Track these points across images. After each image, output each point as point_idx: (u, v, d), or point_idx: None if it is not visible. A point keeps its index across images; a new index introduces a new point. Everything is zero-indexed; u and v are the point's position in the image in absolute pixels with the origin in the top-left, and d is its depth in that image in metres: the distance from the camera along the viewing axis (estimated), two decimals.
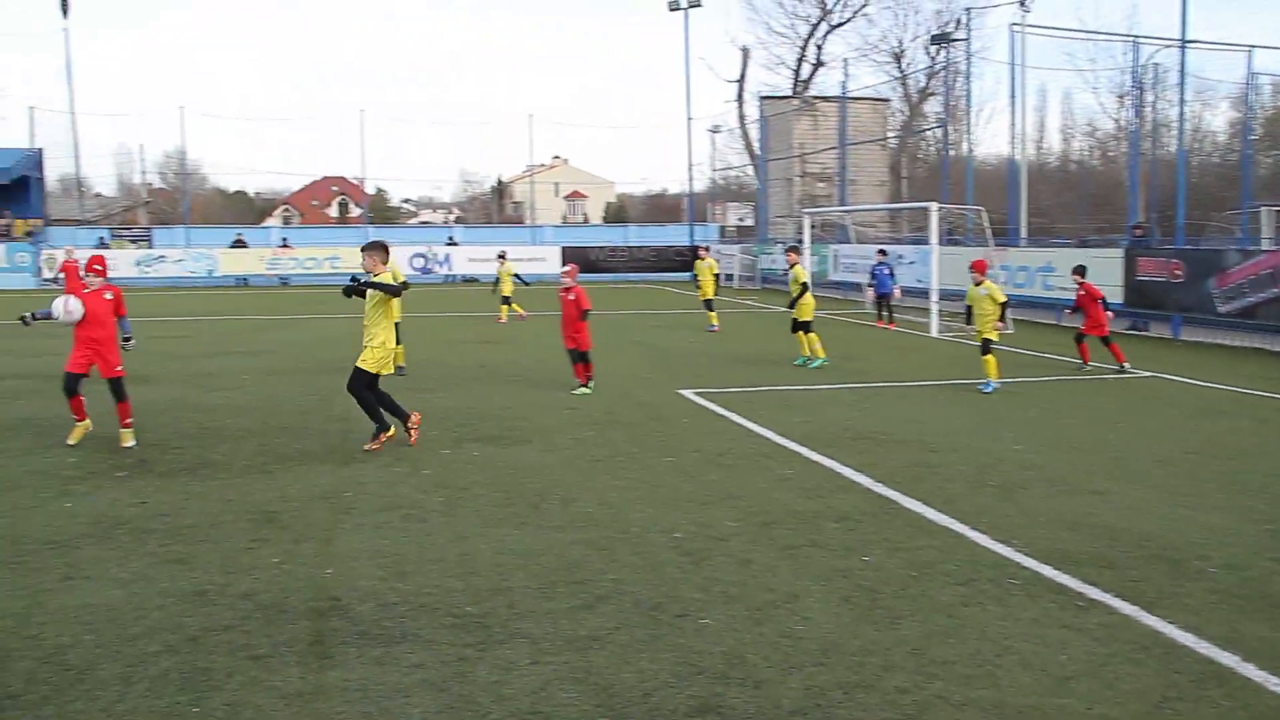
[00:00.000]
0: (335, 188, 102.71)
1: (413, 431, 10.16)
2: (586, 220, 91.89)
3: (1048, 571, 6.45)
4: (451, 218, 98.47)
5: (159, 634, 5.33)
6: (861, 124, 47.71)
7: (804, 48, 57.11)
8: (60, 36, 52.13)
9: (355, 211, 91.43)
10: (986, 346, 13.97)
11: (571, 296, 13.65)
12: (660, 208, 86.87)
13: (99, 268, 10.46)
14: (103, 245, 46.21)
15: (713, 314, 23.46)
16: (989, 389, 13.71)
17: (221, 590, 6.00)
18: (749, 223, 55.21)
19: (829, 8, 55.67)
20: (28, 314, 10.55)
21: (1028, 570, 6.49)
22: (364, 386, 9.98)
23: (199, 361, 17.06)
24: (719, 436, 10.73)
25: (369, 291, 9.83)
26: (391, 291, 9.91)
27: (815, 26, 56.69)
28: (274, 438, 10.55)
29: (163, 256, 45.70)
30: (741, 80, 57.67)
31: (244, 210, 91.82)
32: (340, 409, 12.23)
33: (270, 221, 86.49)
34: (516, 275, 26.51)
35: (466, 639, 5.30)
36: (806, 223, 30.02)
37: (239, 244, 47.28)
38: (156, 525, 7.36)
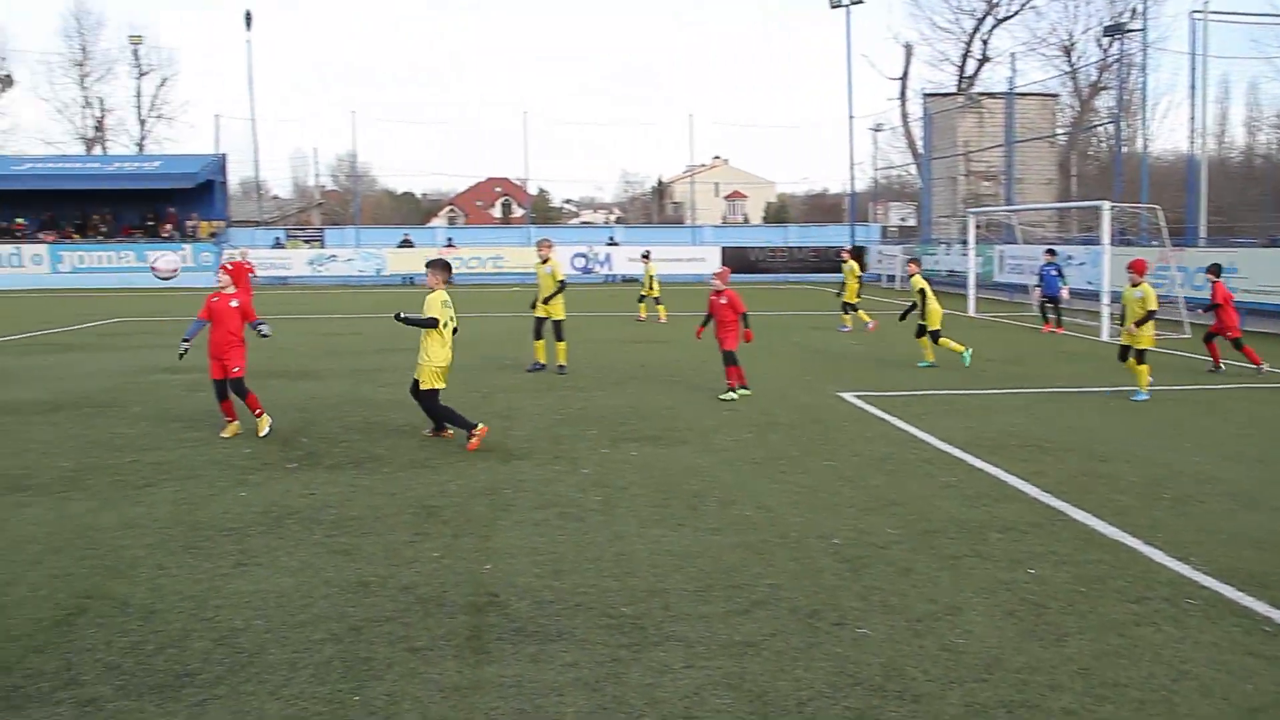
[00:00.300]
0: (499, 189, 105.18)
1: (475, 439, 10.08)
2: (746, 220, 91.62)
3: (1229, 592, 6.07)
4: (612, 218, 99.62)
5: (324, 622, 5.51)
6: (1029, 120, 46.06)
7: (969, 43, 55.58)
8: (243, 48, 54.73)
9: (518, 212, 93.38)
10: (1139, 355, 13.17)
11: (724, 300, 13.44)
12: (821, 207, 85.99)
13: (229, 270, 10.86)
14: (278, 245, 48.46)
15: (846, 316, 23.49)
16: (1140, 398, 13.02)
17: (384, 582, 6.16)
18: (911, 223, 54.08)
19: (995, 1, 54.03)
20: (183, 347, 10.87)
21: (1207, 590, 6.12)
22: (429, 398, 10.29)
23: (367, 358, 17.66)
24: (880, 441, 10.50)
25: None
26: (427, 324, 10.15)
27: (981, 21, 55.08)
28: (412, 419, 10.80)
29: (334, 256, 47.56)
30: (904, 77, 56.53)
31: (411, 211, 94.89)
32: (501, 405, 12.48)
33: (436, 222, 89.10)
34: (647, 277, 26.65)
35: (621, 640, 5.31)
36: (971, 222, 29.22)
37: (406, 244, 48.86)
38: (324, 516, 7.63)
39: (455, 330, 10.65)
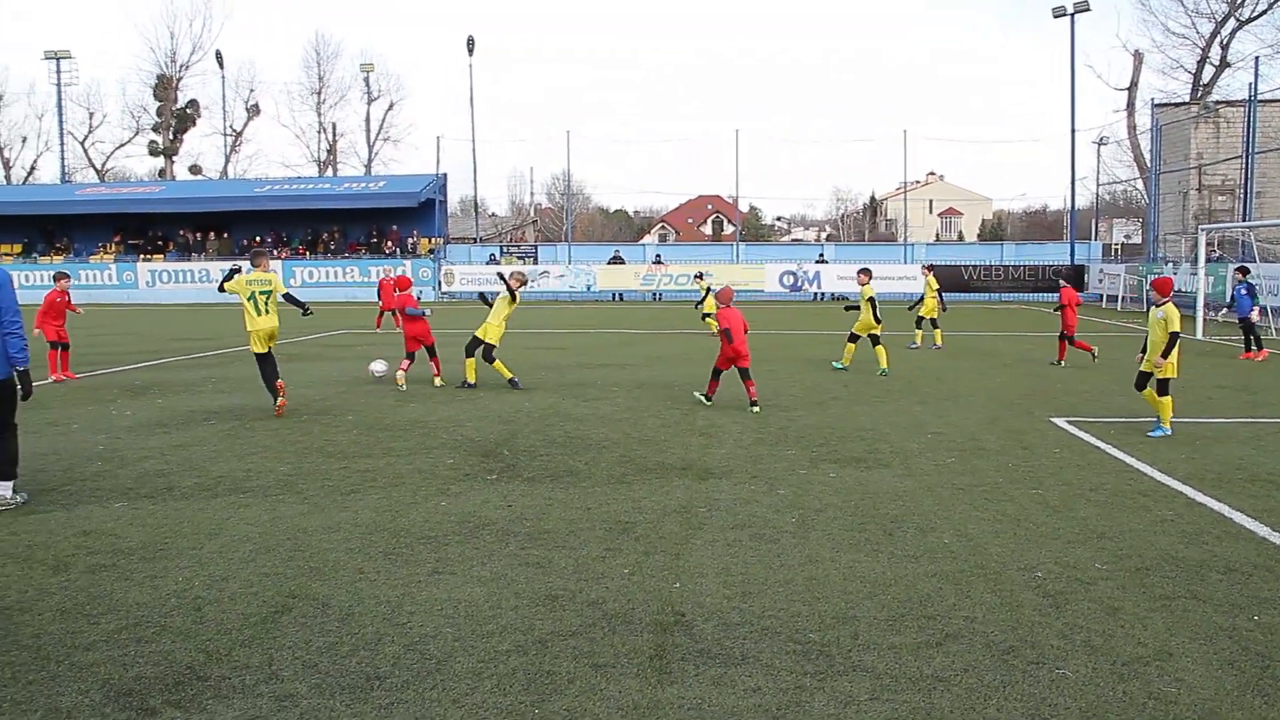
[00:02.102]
0: (710, 205, 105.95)
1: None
2: (961, 238, 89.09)
3: None
4: (823, 235, 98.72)
5: (511, 633, 5.61)
6: (1273, 130, 42.90)
7: (1206, 48, 52.27)
8: (465, 72, 57.07)
9: (729, 229, 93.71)
10: (1161, 385, 11.85)
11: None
12: (1040, 225, 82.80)
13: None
14: (493, 261, 50.17)
15: (919, 333, 23.24)
16: (1157, 434, 11.71)
17: (572, 596, 6.23)
18: (1136, 240, 51.24)
19: (1239, 2, 50.61)
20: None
21: None
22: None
23: (573, 372, 18.04)
24: (1091, 470, 9.93)
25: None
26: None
27: (1221, 24, 51.73)
28: (635, 449, 10.92)
29: (546, 271, 48.92)
30: (1132, 87, 53.71)
31: (623, 228, 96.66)
32: (702, 423, 12.49)
33: (647, 239, 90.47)
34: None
35: (806, 667, 5.18)
36: (1201, 239, 27.40)
37: (616, 260, 49.77)
38: (519, 528, 7.79)
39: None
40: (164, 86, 78.84)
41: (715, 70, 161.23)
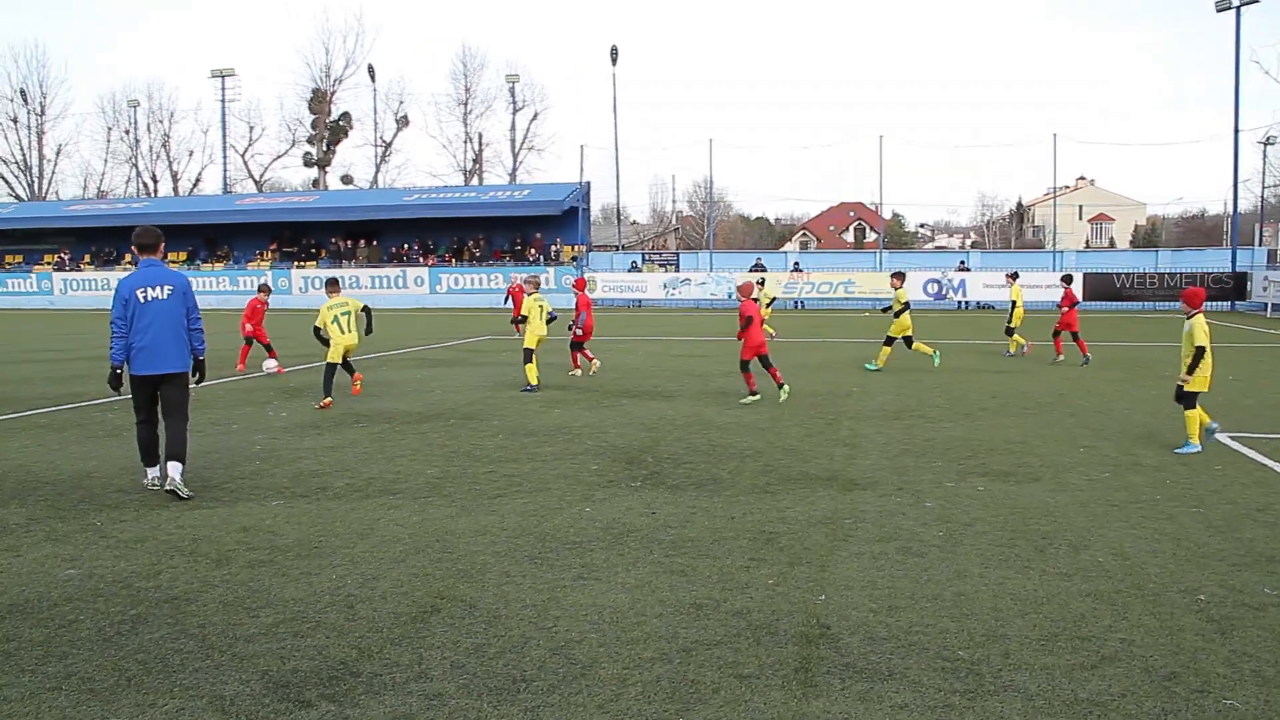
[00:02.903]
0: (852, 213, 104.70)
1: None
2: (1113, 244, 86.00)
3: None
4: (968, 242, 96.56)
5: (655, 641, 5.63)
6: None
7: None
8: (609, 81, 57.68)
9: (871, 237, 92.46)
10: (1187, 398, 11.33)
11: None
12: (1197, 230, 79.30)
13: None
14: (634, 269, 50.54)
15: (1011, 339, 23.34)
16: (1187, 450, 11.15)
17: (716, 605, 6.22)
18: None
19: None
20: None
21: None
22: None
23: (714, 380, 18.04)
24: (1258, 488, 9.43)
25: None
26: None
27: None
28: (779, 458, 10.84)
29: (688, 279, 49.07)
30: None
31: (764, 235, 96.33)
32: (846, 433, 12.34)
33: (788, 246, 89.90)
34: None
35: (955, 685, 5.06)
36: None
37: (758, 268, 49.61)
38: (663, 536, 7.82)
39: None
40: (319, 100, 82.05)
41: (858, 75, 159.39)
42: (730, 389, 16.67)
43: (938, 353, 20.28)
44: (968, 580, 6.70)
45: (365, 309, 16.18)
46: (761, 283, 29.12)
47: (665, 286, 48.86)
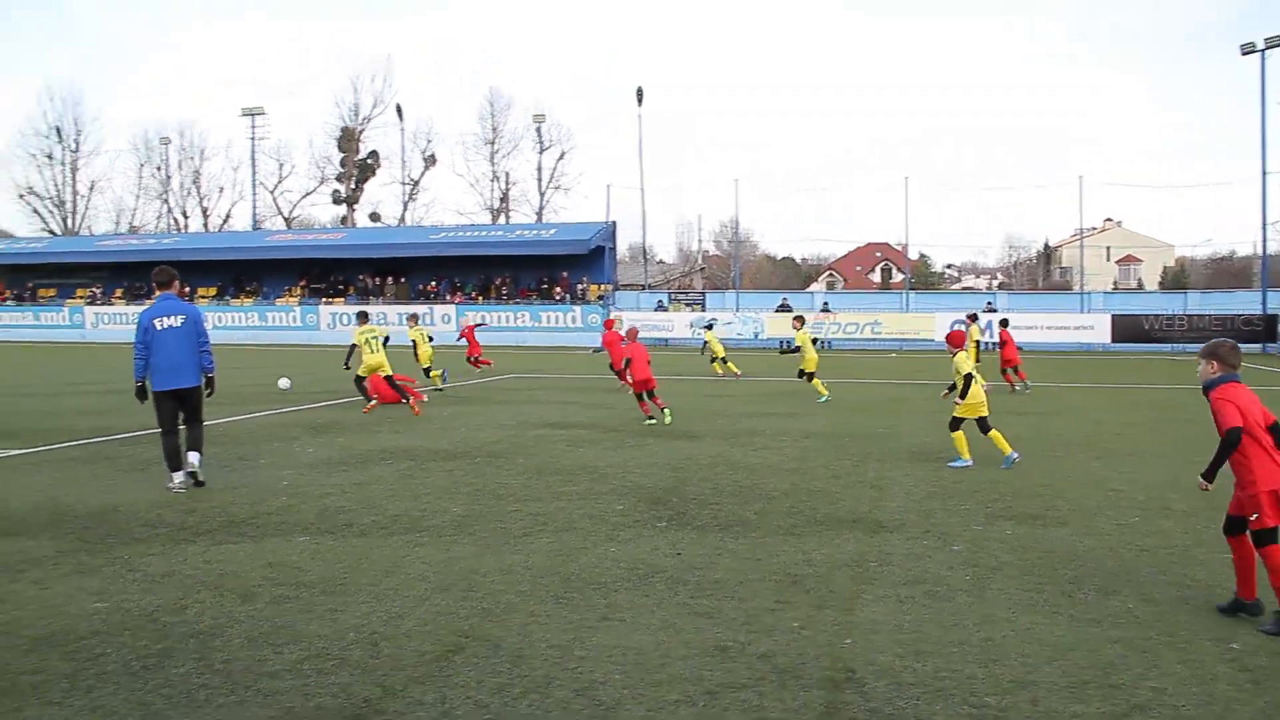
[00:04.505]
0: (879, 253, 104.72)
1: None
2: (1141, 286, 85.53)
3: None
4: (995, 283, 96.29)
5: (680, 683, 5.61)
6: None
7: None
8: (634, 122, 58.35)
9: (898, 277, 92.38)
10: (953, 424, 13.36)
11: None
12: (1227, 272, 78.77)
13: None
14: (661, 308, 50.65)
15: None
16: (956, 464, 12.98)
17: (742, 649, 6.19)
18: None
19: None
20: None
21: None
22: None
23: (743, 420, 18.02)
24: None
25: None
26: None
27: None
28: (805, 500, 10.81)
29: (714, 319, 49.10)
30: None
31: (790, 275, 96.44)
32: (873, 475, 12.30)
33: (815, 287, 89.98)
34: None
35: None
36: None
37: (784, 308, 49.64)
38: (689, 577, 7.79)
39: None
40: (347, 139, 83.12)
41: (884, 116, 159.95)
42: (757, 429, 16.65)
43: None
44: (995, 625, 6.65)
45: (385, 338, 20.38)
46: (709, 326, 31.14)
47: (692, 325, 48.92)
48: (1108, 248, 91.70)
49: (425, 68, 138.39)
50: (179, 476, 11.07)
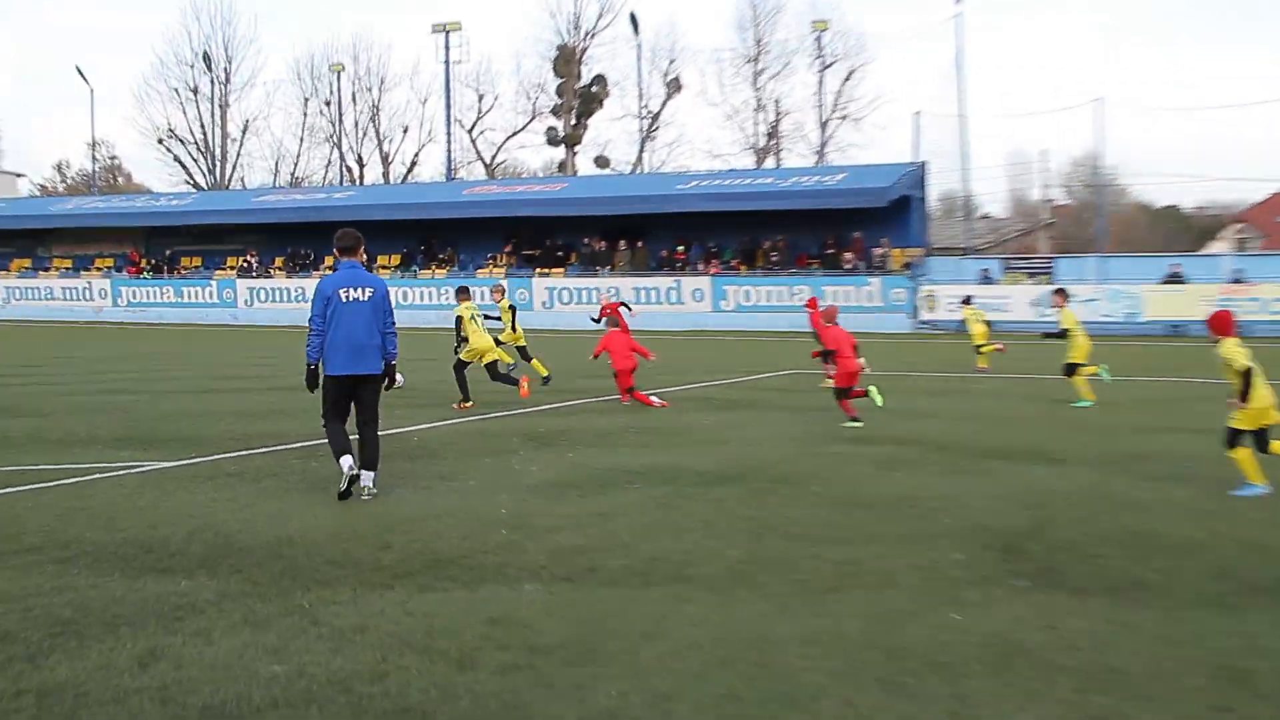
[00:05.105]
0: None
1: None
2: None
3: None
4: None
5: None
6: None
7: None
8: (948, 26, 57.03)
9: None
10: (1232, 437, 12.98)
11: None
12: None
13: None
14: (987, 280, 49.37)
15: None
16: (1246, 493, 12.68)
17: None
18: None
19: None
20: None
21: None
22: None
23: (1125, 437, 17.36)
24: None
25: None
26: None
27: None
28: (1235, 555, 10.16)
29: (1062, 289, 47.53)
30: None
31: (1178, 232, 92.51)
32: None
33: (1217, 247, 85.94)
34: None
35: None
36: None
37: (1174, 279, 47.33)
38: (1069, 661, 7.39)
39: None
40: (565, 60, 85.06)
41: None
42: (1148, 450, 15.91)
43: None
44: None
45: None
46: (967, 300, 32.73)
47: (1036, 304, 47.50)
48: None
49: None
50: (348, 460, 12.12)
